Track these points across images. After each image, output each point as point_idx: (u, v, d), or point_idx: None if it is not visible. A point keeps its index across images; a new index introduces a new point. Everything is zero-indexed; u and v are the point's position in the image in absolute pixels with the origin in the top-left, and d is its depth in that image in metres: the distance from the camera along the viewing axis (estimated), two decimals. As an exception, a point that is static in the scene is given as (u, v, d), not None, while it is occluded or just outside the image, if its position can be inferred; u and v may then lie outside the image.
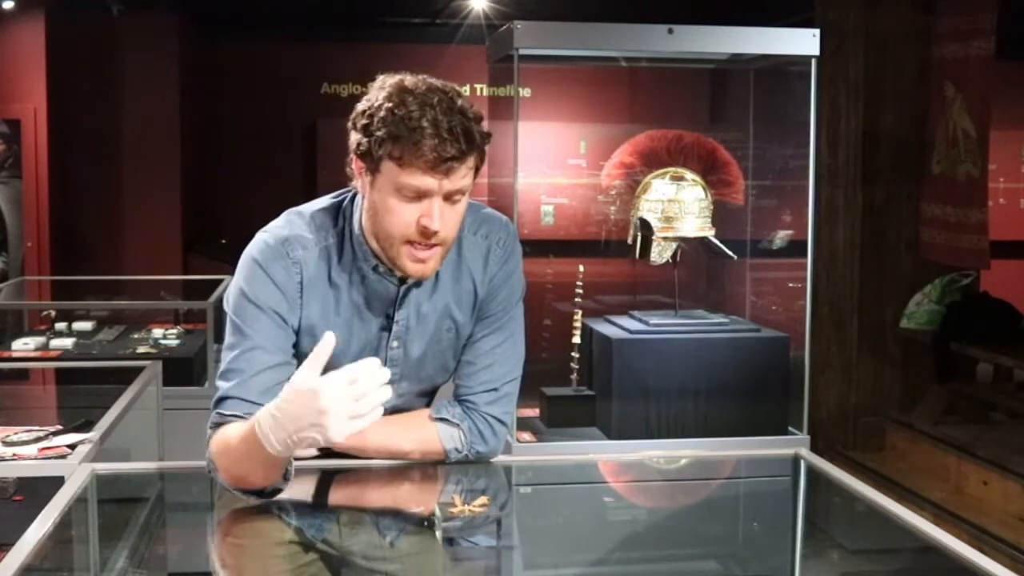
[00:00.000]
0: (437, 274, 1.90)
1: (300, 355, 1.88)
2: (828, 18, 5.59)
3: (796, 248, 3.87)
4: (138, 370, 3.46)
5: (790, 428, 3.66)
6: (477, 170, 1.81)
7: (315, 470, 1.93)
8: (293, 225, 1.88)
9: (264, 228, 1.90)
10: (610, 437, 3.56)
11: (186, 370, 4.49)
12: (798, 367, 3.68)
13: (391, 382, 1.94)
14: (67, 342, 4.74)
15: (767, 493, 2.29)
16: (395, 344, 1.92)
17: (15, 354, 4.58)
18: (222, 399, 1.81)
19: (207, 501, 1.92)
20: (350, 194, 1.91)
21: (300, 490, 1.87)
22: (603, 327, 3.71)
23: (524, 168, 3.62)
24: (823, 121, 5.48)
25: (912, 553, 1.85)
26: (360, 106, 1.79)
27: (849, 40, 5.63)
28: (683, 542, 2.05)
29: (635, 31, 3.66)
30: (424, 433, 1.94)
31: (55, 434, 2.75)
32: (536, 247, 5.47)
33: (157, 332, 4.97)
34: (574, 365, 3.73)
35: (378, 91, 1.77)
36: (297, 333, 1.87)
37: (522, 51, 3.50)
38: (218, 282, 5.06)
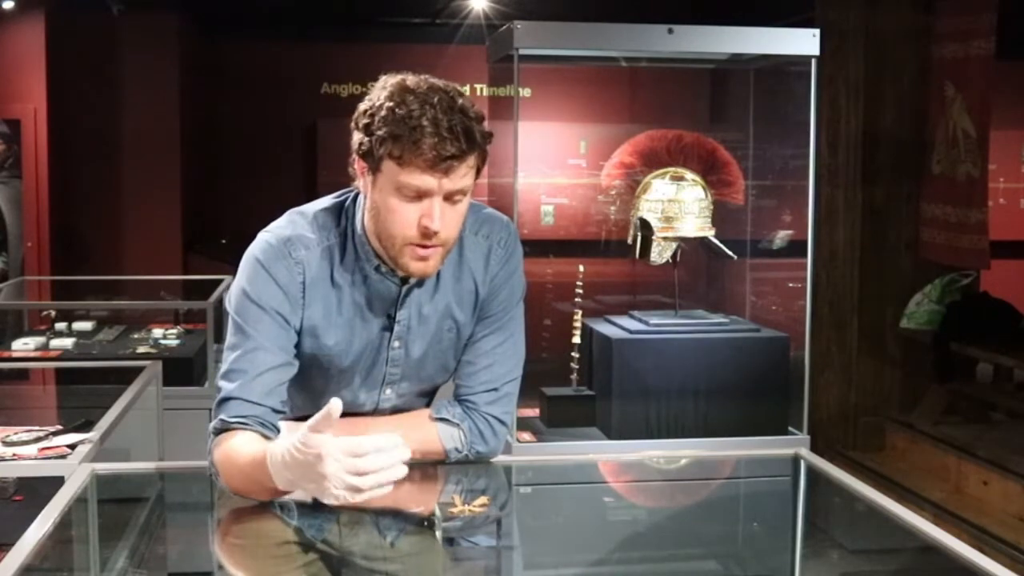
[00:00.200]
0: (438, 274, 1.90)
1: (302, 355, 1.88)
2: (828, 18, 5.59)
3: (796, 248, 3.87)
4: (138, 370, 3.45)
5: (790, 428, 3.66)
6: (479, 170, 1.81)
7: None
8: (295, 225, 1.88)
9: (266, 228, 1.90)
10: (610, 437, 3.56)
11: (186, 370, 4.49)
12: (798, 367, 3.68)
13: (391, 382, 1.95)
14: (67, 342, 4.74)
15: (767, 493, 2.29)
16: (396, 344, 1.92)
17: (15, 354, 4.58)
18: (225, 400, 1.81)
19: (207, 501, 1.92)
20: (352, 194, 1.91)
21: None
22: (603, 327, 3.71)
23: (524, 168, 3.62)
24: (823, 121, 5.48)
25: (912, 553, 1.85)
26: (362, 106, 1.79)
27: (849, 40, 5.63)
28: (683, 542, 2.05)
29: (635, 31, 3.66)
30: (424, 433, 1.94)
31: (55, 434, 2.75)
32: (536, 247, 5.47)
33: (157, 332, 4.96)
34: (574, 365, 3.73)
35: (380, 91, 1.77)
36: (299, 333, 1.86)
37: (522, 51, 3.50)
38: (218, 282, 5.06)
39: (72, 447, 2.64)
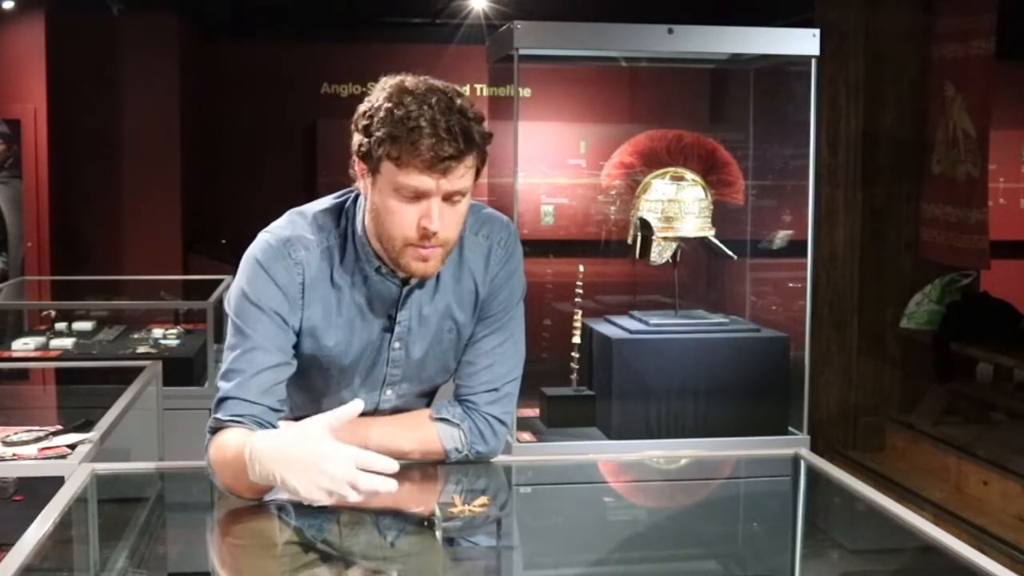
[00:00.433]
0: (439, 275, 1.90)
1: (302, 356, 1.88)
2: (828, 18, 5.59)
3: (796, 248, 3.87)
4: (138, 370, 3.46)
5: (790, 428, 3.66)
6: (479, 171, 1.81)
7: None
8: (295, 225, 1.88)
9: (266, 228, 1.90)
10: (610, 437, 3.56)
11: (186, 370, 4.49)
12: (798, 367, 3.68)
13: (391, 383, 1.95)
14: (67, 342, 4.74)
15: (767, 493, 2.29)
16: (397, 345, 1.92)
17: (15, 354, 4.58)
18: (222, 400, 1.81)
19: (207, 501, 1.92)
20: (352, 195, 1.91)
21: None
22: (603, 327, 3.71)
23: (524, 168, 3.62)
24: (823, 121, 5.48)
25: (912, 553, 1.85)
26: (361, 107, 1.79)
27: (849, 40, 5.63)
28: (683, 542, 2.05)
29: (635, 31, 3.66)
30: (424, 433, 1.94)
31: (55, 434, 2.75)
32: (536, 247, 5.47)
33: (157, 332, 4.96)
34: (574, 365, 3.73)
35: (379, 92, 1.77)
36: (299, 334, 1.87)
37: (522, 51, 3.50)
38: (218, 282, 5.06)
39: (72, 447, 2.64)
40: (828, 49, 4.89)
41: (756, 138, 4.10)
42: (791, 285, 3.98)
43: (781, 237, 4.08)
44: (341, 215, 1.90)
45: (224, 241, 7.62)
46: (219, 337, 4.42)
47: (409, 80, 1.77)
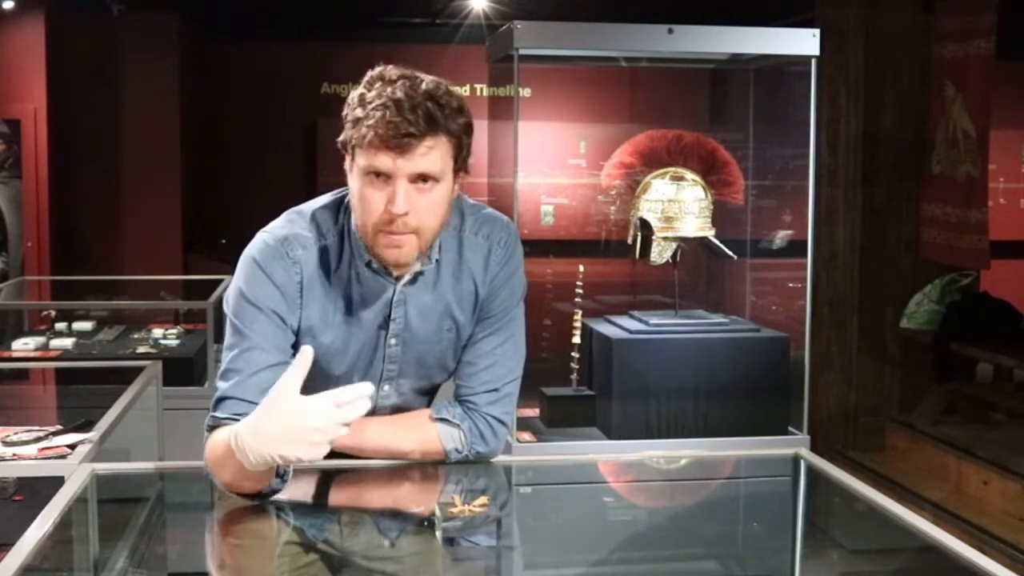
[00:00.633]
0: (438, 273, 1.90)
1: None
2: (828, 18, 5.59)
3: (796, 248, 3.87)
4: (138, 370, 3.46)
5: (790, 428, 3.66)
6: (458, 160, 1.80)
7: (315, 470, 1.93)
8: (293, 224, 1.88)
9: (264, 228, 1.90)
10: (610, 437, 3.56)
11: (186, 370, 4.49)
12: (798, 367, 3.68)
13: (389, 379, 1.95)
14: (67, 342, 4.74)
15: (767, 493, 2.29)
16: (393, 342, 1.92)
17: (15, 354, 4.58)
18: (220, 400, 1.81)
19: (207, 501, 1.92)
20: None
21: (300, 490, 1.87)
22: (603, 327, 3.71)
23: (524, 168, 3.62)
24: (823, 121, 5.48)
25: (912, 553, 1.85)
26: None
27: (849, 40, 5.63)
28: (683, 542, 2.05)
29: (635, 31, 3.66)
30: (424, 433, 1.94)
31: (55, 434, 2.75)
32: (536, 247, 5.47)
33: (157, 332, 4.97)
34: (574, 365, 3.73)
35: (360, 84, 1.78)
36: (297, 333, 1.86)
37: (522, 51, 3.50)
38: (218, 282, 5.06)
39: (72, 447, 2.64)
40: (828, 49, 4.89)
41: (756, 138, 4.10)
42: (791, 285, 3.98)
43: (781, 237, 4.08)
44: (339, 212, 1.90)
45: (224, 241, 7.62)
46: (219, 337, 4.40)
47: (389, 69, 1.78)
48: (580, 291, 3.76)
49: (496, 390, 1.96)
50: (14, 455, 2.63)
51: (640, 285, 4.35)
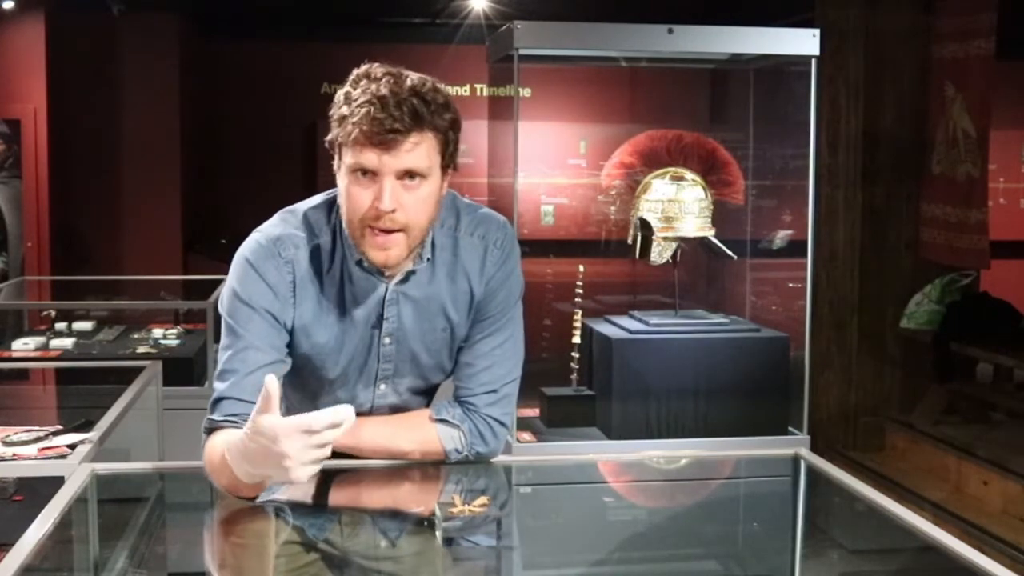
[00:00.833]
0: (432, 273, 1.90)
1: (296, 354, 1.88)
2: (828, 18, 5.59)
3: (796, 248, 3.86)
4: (138, 370, 3.46)
5: (790, 428, 3.66)
6: (445, 157, 1.79)
7: (315, 470, 1.93)
8: (286, 224, 1.89)
9: (257, 228, 1.90)
10: (610, 437, 3.56)
11: (186, 370, 4.49)
12: (798, 367, 3.68)
13: (384, 377, 1.95)
14: (67, 342, 4.74)
15: (767, 493, 2.29)
16: (387, 341, 1.92)
17: (15, 354, 4.58)
18: (217, 400, 1.82)
19: (207, 501, 1.92)
20: (344, 190, 1.91)
21: (300, 490, 1.87)
22: (603, 327, 3.71)
23: (524, 168, 3.62)
24: (823, 121, 5.48)
25: (912, 553, 1.85)
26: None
27: (849, 40, 5.63)
28: (683, 542, 2.05)
29: (635, 31, 3.66)
30: (424, 434, 1.94)
31: (55, 434, 2.75)
32: (536, 247, 5.47)
33: (157, 332, 4.96)
34: (574, 365, 3.73)
35: (346, 82, 1.78)
36: (292, 332, 1.87)
37: (522, 51, 3.49)
38: (218, 282, 5.05)
39: (72, 447, 2.64)
40: (828, 49, 4.89)
41: (756, 138, 4.10)
42: (791, 285, 3.97)
43: (781, 237, 4.08)
44: (331, 212, 1.89)
45: (224, 241, 7.61)
46: (219, 337, 4.41)
47: (375, 67, 1.78)
48: (580, 291, 3.76)
49: (495, 391, 1.95)
50: (14, 455, 2.63)
51: (640, 285, 4.35)
